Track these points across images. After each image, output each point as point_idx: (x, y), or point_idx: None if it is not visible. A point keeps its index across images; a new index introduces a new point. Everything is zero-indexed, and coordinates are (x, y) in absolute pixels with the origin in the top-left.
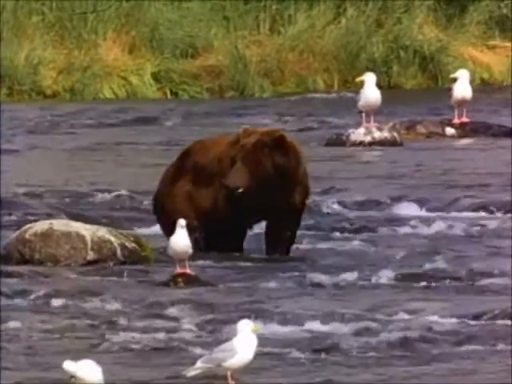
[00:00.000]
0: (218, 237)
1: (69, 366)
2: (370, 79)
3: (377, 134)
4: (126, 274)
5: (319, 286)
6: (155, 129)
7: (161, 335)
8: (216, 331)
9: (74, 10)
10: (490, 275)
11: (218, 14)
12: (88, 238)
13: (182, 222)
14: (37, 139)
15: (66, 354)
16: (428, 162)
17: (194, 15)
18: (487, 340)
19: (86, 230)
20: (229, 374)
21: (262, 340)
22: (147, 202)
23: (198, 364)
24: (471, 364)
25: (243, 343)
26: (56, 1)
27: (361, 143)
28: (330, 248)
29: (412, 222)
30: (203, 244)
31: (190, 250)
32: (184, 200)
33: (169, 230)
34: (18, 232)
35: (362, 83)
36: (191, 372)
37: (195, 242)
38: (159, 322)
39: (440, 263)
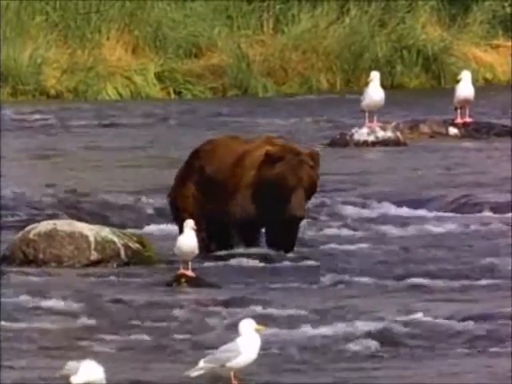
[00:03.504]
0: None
1: (72, 367)
2: (375, 78)
3: (380, 134)
4: (129, 275)
5: (321, 285)
6: (159, 128)
7: (164, 335)
8: (219, 331)
9: (78, 9)
10: (491, 275)
11: (221, 13)
12: (91, 239)
13: (189, 222)
14: (40, 139)
15: (68, 354)
16: (431, 162)
17: (198, 15)
18: (487, 340)
19: (89, 231)
20: (232, 374)
21: (264, 340)
22: (151, 202)
23: (201, 364)
24: (471, 364)
25: (247, 343)
26: (59, 1)
27: (364, 143)
28: (332, 248)
29: (415, 222)
30: (207, 245)
31: (196, 251)
32: (191, 200)
33: (181, 229)
34: (21, 232)
35: (366, 83)
36: (195, 372)
37: (202, 242)
38: (162, 322)
39: (442, 263)
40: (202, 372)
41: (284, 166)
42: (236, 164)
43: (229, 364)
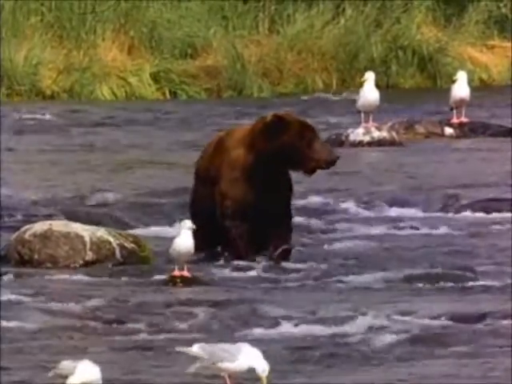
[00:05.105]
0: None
1: (66, 366)
2: (370, 79)
3: (376, 134)
4: (124, 275)
5: (319, 286)
6: (154, 129)
7: (159, 336)
8: (214, 331)
9: (73, 10)
10: (490, 275)
11: (216, 13)
12: (87, 239)
13: (186, 222)
14: (36, 140)
15: (65, 355)
16: (427, 162)
17: (193, 15)
18: (487, 340)
19: (84, 231)
20: (226, 375)
21: (262, 340)
22: (146, 203)
23: (195, 348)
24: (471, 364)
25: (247, 351)
26: (55, 1)
27: (360, 143)
28: (329, 248)
29: (411, 222)
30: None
31: (192, 251)
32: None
33: None
34: (17, 233)
35: (361, 83)
36: (191, 369)
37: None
38: (158, 323)
39: (439, 263)
40: (198, 365)
41: (287, 131)
42: (215, 149)
43: (221, 365)
